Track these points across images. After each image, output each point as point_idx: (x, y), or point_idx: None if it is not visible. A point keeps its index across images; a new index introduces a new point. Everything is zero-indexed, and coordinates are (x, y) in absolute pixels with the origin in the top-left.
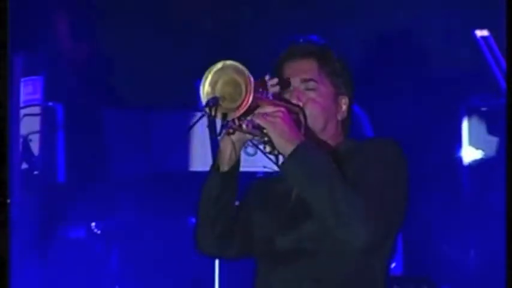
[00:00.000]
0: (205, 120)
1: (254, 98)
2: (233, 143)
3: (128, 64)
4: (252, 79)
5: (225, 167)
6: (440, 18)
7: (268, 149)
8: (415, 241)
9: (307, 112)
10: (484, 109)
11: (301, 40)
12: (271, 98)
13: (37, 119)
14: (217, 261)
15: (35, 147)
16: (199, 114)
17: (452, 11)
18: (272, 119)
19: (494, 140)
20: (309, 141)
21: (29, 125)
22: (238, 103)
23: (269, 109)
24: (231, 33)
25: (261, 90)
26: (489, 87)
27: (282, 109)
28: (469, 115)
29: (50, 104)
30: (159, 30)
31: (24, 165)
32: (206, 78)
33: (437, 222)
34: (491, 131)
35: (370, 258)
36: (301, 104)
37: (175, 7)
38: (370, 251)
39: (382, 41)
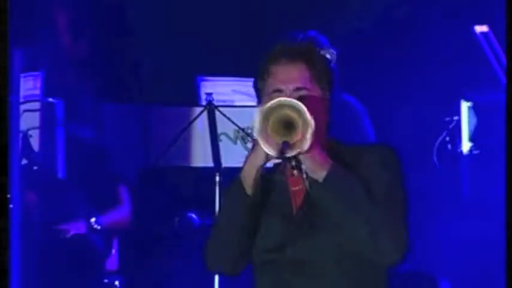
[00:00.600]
0: (204, 116)
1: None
2: (261, 166)
3: (127, 59)
4: (306, 112)
5: (250, 190)
6: (440, 14)
7: (296, 172)
8: (414, 236)
9: None
10: (483, 104)
11: (287, 40)
12: None
13: (37, 114)
14: None
15: (34, 142)
16: (198, 109)
17: (451, 6)
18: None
19: (493, 134)
20: (335, 163)
21: (29, 120)
22: (296, 136)
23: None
24: (230, 29)
25: None
26: (489, 82)
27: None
28: (469, 110)
29: (50, 99)
30: (159, 25)
31: (24, 161)
32: (262, 114)
33: (436, 217)
34: (491, 126)
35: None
36: None
37: (174, 2)
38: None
39: (381, 36)
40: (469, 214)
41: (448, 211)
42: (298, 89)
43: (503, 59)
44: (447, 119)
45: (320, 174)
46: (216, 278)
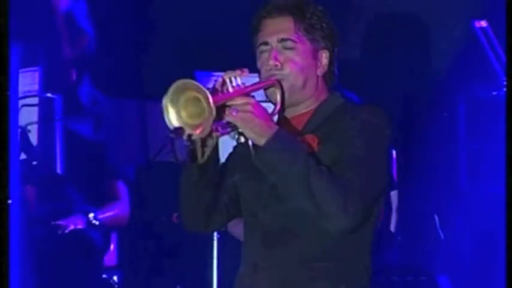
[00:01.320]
0: None
1: (216, 102)
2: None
3: (125, 54)
4: (210, 99)
5: (203, 158)
6: (439, 9)
7: (242, 139)
8: (413, 231)
9: (286, 71)
10: (482, 99)
11: None
12: (240, 87)
13: (35, 109)
14: (215, 252)
15: (33, 137)
16: None
17: (451, 1)
18: (242, 114)
19: (492, 131)
20: (282, 130)
21: (28, 115)
22: (199, 122)
23: (237, 101)
24: (228, 24)
25: (230, 86)
26: (487, 77)
27: (252, 101)
28: (467, 106)
29: (48, 94)
30: (157, 20)
31: (23, 156)
32: (167, 99)
33: (435, 213)
34: (489, 121)
35: (353, 235)
36: (279, 64)
37: None
38: (350, 233)
39: (380, 31)
40: (468, 209)
41: (447, 206)
42: (282, 40)
43: (502, 54)
44: (446, 114)
45: (259, 141)
46: (215, 274)
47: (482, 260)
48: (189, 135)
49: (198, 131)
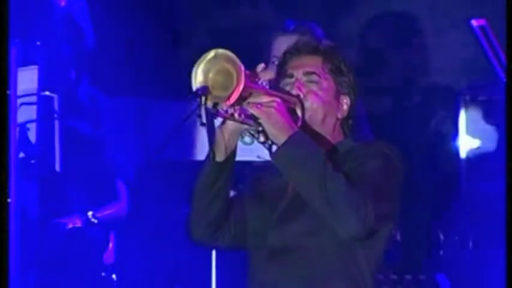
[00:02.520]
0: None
1: (247, 87)
2: (230, 133)
3: (124, 53)
4: (243, 68)
5: (221, 157)
6: (438, 8)
7: (262, 138)
8: (412, 230)
9: (307, 104)
10: (481, 99)
11: (307, 36)
12: (267, 88)
13: (34, 108)
14: (214, 251)
15: (32, 136)
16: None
17: (451, 1)
18: (266, 109)
19: (492, 130)
20: (303, 132)
21: (27, 114)
22: (229, 92)
23: (264, 99)
24: (229, 21)
25: (256, 80)
26: (487, 77)
27: (277, 99)
28: (467, 106)
29: (47, 93)
30: (156, 19)
31: (22, 155)
32: (198, 66)
33: (434, 212)
34: (489, 121)
35: (358, 256)
36: (301, 94)
37: None
38: (359, 240)
39: (379, 31)
40: (468, 210)
41: (446, 207)
42: (308, 73)
43: (501, 53)
44: (445, 113)
45: (280, 140)
46: (214, 273)
47: (481, 259)
48: (215, 103)
49: (225, 102)
